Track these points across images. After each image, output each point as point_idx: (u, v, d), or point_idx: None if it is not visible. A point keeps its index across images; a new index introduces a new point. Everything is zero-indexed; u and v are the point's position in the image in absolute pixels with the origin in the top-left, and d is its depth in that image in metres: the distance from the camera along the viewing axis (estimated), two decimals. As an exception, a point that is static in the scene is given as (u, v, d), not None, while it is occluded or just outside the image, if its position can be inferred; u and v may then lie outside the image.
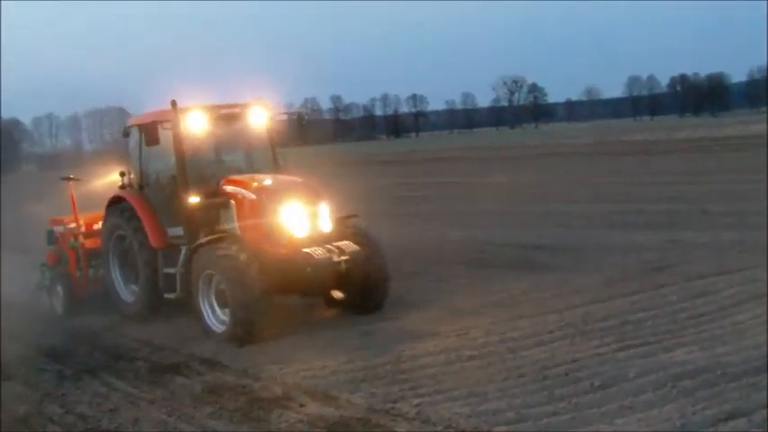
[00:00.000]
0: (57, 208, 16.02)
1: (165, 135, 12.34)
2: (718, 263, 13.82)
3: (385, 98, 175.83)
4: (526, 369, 8.94)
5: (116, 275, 13.69)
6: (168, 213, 12.72)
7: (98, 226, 14.35)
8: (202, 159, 13.14)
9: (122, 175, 13.54)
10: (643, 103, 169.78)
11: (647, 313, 10.93)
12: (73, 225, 14.76)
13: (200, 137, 12.80)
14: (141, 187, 13.31)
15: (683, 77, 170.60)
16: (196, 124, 12.55)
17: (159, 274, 12.69)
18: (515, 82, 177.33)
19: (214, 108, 12.86)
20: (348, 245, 11.65)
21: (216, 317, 11.52)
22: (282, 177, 12.78)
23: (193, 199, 12.20)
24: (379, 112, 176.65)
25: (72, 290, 14.46)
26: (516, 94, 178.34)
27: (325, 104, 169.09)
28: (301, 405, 8.50)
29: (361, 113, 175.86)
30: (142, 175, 13.32)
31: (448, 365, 9.36)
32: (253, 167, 13.36)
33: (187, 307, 12.00)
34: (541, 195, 28.66)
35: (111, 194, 13.67)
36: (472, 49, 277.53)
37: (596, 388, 8.10)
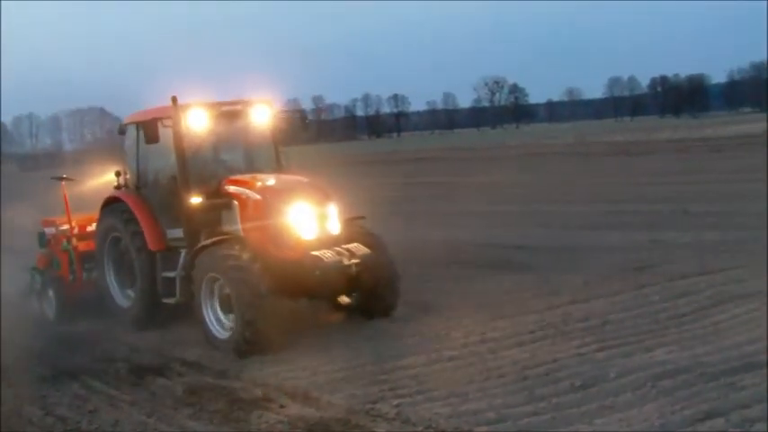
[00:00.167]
0: (42, 209, 15.64)
1: (164, 133, 11.78)
2: (700, 263, 13.89)
3: (366, 98, 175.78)
4: (506, 369, 8.96)
5: (111, 279, 13.17)
6: (167, 214, 12.21)
7: (92, 228, 13.75)
8: (203, 158, 12.56)
9: (118, 174, 13.01)
10: (624, 103, 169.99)
11: (628, 313, 10.99)
12: (65, 227, 14.14)
13: (202, 134, 12.21)
14: (138, 187, 12.78)
15: (664, 78, 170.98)
16: (197, 121, 11.98)
17: (157, 277, 12.14)
18: (496, 82, 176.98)
19: (216, 105, 12.30)
20: (358, 247, 11.20)
21: (219, 323, 11.00)
22: (288, 177, 12.28)
23: (195, 199, 11.67)
24: (360, 112, 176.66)
25: (64, 294, 13.80)
26: (497, 95, 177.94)
27: (307, 105, 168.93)
28: (281, 406, 8.50)
29: (343, 114, 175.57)
30: (139, 174, 12.78)
31: (428, 366, 9.36)
32: (255, 167, 12.75)
33: (187, 312, 11.53)
34: (522, 196, 28.74)
35: (103, 195, 13.13)
36: (453, 49, 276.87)
37: (577, 388, 8.14)
